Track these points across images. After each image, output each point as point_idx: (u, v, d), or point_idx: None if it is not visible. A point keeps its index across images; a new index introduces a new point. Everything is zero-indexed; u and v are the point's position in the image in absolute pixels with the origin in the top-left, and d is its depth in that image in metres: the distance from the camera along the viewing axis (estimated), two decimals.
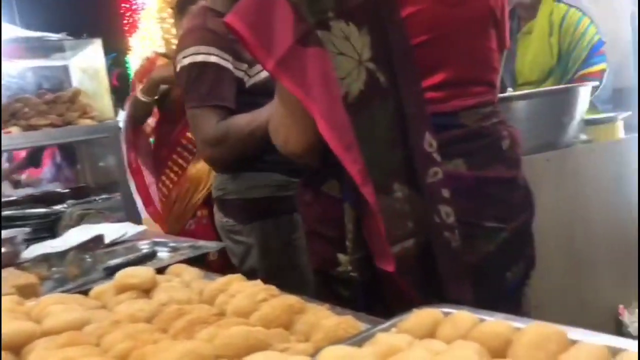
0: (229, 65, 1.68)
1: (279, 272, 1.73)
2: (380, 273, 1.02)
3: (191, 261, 1.25)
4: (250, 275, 0.99)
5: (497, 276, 1.11)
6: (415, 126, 0.99)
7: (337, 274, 1.09)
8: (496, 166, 1.10)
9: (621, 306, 2.01)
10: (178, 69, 1.71)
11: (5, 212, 1.82)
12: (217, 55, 1.66)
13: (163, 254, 1.44)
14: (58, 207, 1.97)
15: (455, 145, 1.05)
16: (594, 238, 1.91)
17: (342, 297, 1.08)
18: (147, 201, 2.49)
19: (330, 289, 1.12)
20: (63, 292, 1.16)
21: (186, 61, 1.68)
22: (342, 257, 1.07)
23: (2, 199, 3.41)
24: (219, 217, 1.84)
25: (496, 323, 0.64)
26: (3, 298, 0.96)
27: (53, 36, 2.59)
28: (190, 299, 0.84)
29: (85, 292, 1.06)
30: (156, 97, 2.31)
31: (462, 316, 0.67)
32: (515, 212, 1.13)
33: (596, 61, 2.59)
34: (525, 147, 1.80)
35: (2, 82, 2.68)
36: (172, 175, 2.29)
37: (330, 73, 0.95)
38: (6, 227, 1.71)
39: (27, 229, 1.58)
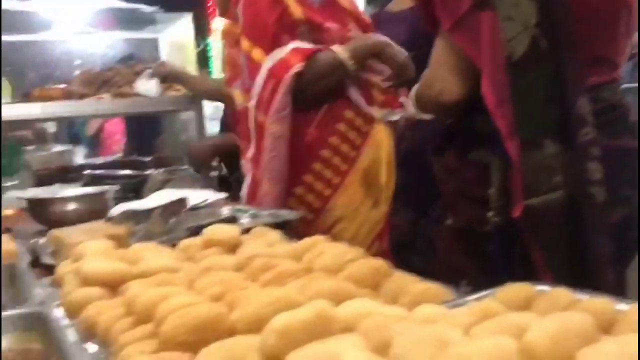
0: None
1: None
2: (519, 229, 1.10)
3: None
4: None
5: (631, 241, 1.17)
6: (572, 89, 1.08)
7: (484, 231, 1.17)
8: (627, 137, 1.20)
9: None
10: None
11: (95, 172, 1.92)
12: None
13: (244, 220, 1.46)
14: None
15: (596, 117, 1.13)
16: None
17: (486, 252, 1.19)
18: None
19: (475, 245, 1.22)
20: None
21: None
22: (489, 215, 1.17)
23: (87, 162, 3.60)
24: None
25: (598, 301, 0.61)
26: (99, 242, 1.01)
27: (146, 9, 2.68)
28: (277, 255, 0.85)
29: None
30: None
31: (560, 292, 0.64)
32: None
33: None
34: None
35: (96, 50, 2.81)
36: None
37: (498, 35, 1.06)
38: (95, 185, 1.80)
39: (115, 187, 1.65)
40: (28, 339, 0.75)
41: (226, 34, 1.84)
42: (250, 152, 1.64)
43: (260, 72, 1.55)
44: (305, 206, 1.60)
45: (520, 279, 0.69)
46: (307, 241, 0.88)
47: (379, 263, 0.75)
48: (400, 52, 1.59)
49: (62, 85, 2.64)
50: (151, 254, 0.91)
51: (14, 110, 2.49)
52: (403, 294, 0.70)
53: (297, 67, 1.50)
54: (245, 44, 1.60)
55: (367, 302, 0.55)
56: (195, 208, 1.67)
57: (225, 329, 0.60)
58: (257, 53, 1.57)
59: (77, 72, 3.44)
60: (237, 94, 1.73)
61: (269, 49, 1.55)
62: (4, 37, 3.13)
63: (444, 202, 1.35)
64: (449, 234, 1.31)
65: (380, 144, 1.67)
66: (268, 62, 1.54)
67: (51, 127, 3.76)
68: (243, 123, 1.68)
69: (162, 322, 0.60)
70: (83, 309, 0.76)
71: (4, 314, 0.79)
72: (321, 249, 0.83)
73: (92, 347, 0.68)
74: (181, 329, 0.58)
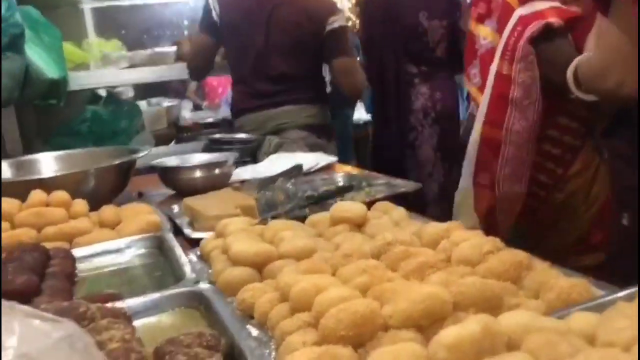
0: None
1: None
2: None
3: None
4: None
5: None
6: None
7: None
8: None
9: None
10: None
11: (214, 136, 2.01)
12: None
13: (359, 188, 1.50)
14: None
15: None
16: None
17: None
18: None
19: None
20: (274, 216, 1.26)
21: None
22: None
23: (193, 116, 3.74)
24: None
25: None
26: (238, 220, 1.09)
27: None
28: (413, 241, 0.88)
29: (293, 219, 1.17)
30: None
31: None
32: None
33: None
34: None
35: None
36: None
37: None
38: (215, 150, 1.89)
39: (236, 154, 1.73)
40: (190, 316, 0.83)
41: None
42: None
43: (511, 18, 1.45)
44: (562, 147, 1.49)
45: None
46: (441, 227, 0.89)
47: (520, 255, 0.76)
48: None
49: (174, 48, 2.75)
50: (289, 233, 0.97)
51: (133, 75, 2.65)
52: (546, 289, 0.71)
53: (552, 20, 1.36)
54: None
55: (526, 315, 0.56)
56: (309, 173, 1.73)
57: (379, 323, 0.65)
58: None
59: (186, 33, 3.56)
60: (486, 31, 1.64)
61: None
62: (117, 2, 3.28)
63: (619, 198, 1.19)
64: (624, 235, 1.15)
65: None
66: (521, 10, 1.44)
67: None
68: (487, 65, 1.59)
69: (322, 316, 0.65)
70: (237, 289, 0.84)
71: (167, 292, 0.88)
72: (458, 236, 0.85)
73: (253, 330, 0.75)
74: (342, 324, 0.63)
